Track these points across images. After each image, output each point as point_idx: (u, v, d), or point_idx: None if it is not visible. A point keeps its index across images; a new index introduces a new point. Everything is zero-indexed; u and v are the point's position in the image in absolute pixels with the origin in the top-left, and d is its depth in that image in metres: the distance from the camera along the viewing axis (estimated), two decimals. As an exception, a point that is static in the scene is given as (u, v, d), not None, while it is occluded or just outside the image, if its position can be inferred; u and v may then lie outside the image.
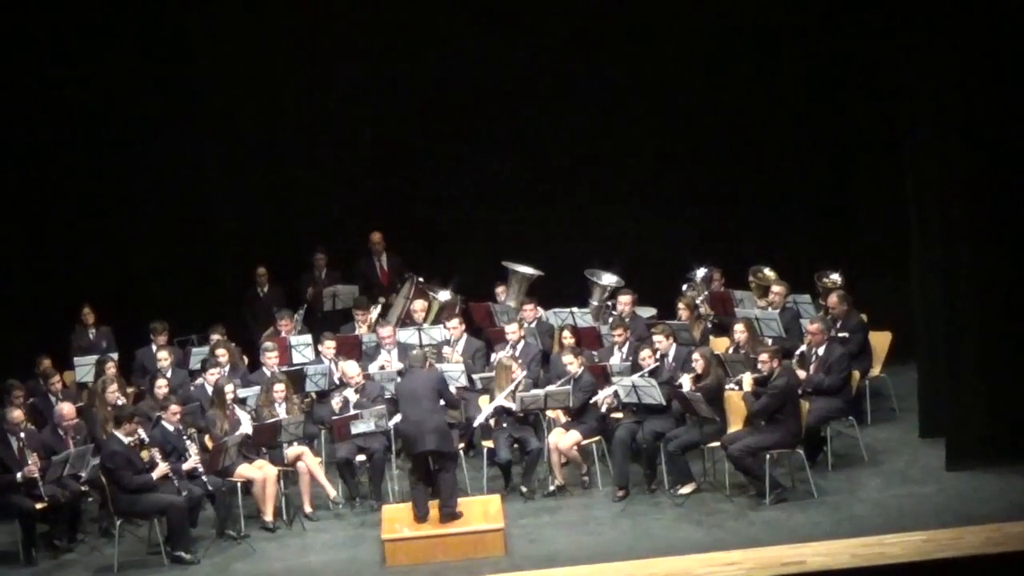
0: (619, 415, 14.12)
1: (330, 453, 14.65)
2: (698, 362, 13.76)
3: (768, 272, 15.67)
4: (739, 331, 14.47)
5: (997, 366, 13.66)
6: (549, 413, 14.26)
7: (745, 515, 13.23)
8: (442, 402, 13.56)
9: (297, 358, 15.30)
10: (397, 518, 13.27)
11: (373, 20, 17.02)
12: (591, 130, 17.29)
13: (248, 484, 13.71)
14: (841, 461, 14.08)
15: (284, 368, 14.91)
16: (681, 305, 15.35)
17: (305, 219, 17.49)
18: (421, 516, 13.18)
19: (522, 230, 17.16)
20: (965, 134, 13.56)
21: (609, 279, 15.94)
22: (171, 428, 13.53)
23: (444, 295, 16.16)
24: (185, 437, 13.51)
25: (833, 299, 14.89)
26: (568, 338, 14.77)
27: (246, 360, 15.58)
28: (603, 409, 14.07)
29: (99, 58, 16.69)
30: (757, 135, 17.04)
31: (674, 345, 14.33)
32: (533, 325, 15.55)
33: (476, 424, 14.20)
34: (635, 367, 14.10)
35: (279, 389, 14.15)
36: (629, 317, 15.23)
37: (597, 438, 14.12)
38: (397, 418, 13.72)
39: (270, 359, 14.89)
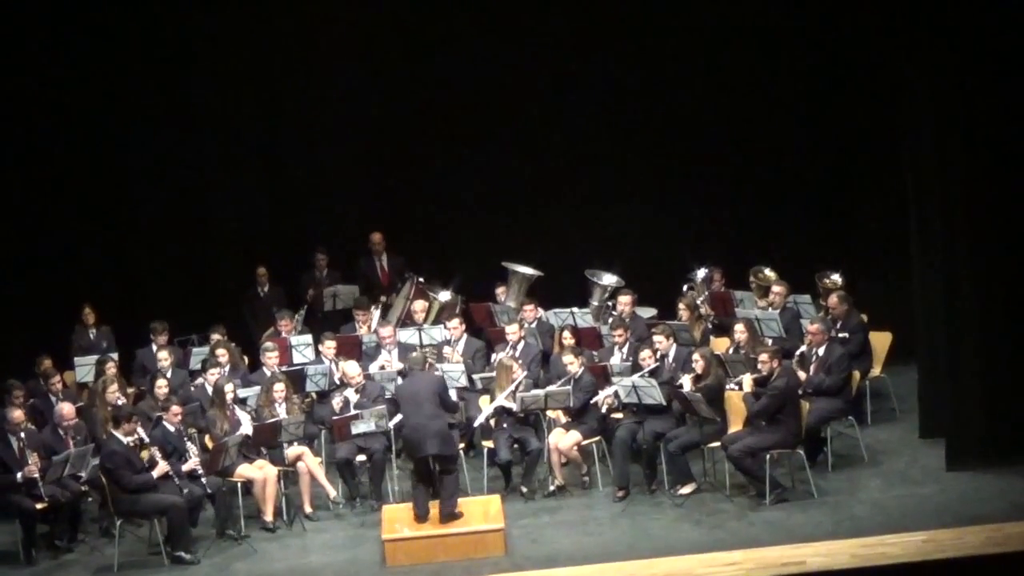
0: (619, 415, 14.12)
1: (330, 453, 14.65)
2: (698, 362, 13.76)
3: (769, 272, 15.68)
4: (739, 331, 14.48)
5: (997, 366, 13.66)
6: (549, 413, 14.26)
7: (745, 515, 13.24)
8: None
9: (297, 358, 15.30)
10: (397, 518, 13.27)
11: (373, 20, 17.02)
12: (591, 130, 17.29)
13: (248, 484, 13.72)
14: (841, 461, 14.08)
15: (284, 368, 14.91)
16: (681, 305, 15.36)
17: (305, 219, 17.49)
18: (421, 516, 13.18)
19: (522, 230, 17.17)
20: (965, 134, 13.56)
21: (609, 279, 15.94)
22: (172, 429, 13.53)
23: (444, 295, 16.17)
24: (185, 438, 13.50)
25: (833, 299, 14.90)
26: (568, 338, 14.77)
27: (246, 360, 15.58)
28: (603, 409, 14.07)
29: (99, 58, 16.70)
30: (757, 135, 17.03)
31: (674, 345, 14.34)
32: (533, 325, 15.55)
33: (476, 424, 14.20)
34: (635, 367, 14.11)
35: (279, 389, 14.15)
36: (629, 317, 15.24)
37: (597, 438, 14.13)
38: (397, 418, 13.72)
39: (270, 359, 14.89)
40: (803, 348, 14.27)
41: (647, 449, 13.80)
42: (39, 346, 15.39)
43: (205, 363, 14.97)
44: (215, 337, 15.45)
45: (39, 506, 13.41)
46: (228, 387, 14.03)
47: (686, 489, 13.69)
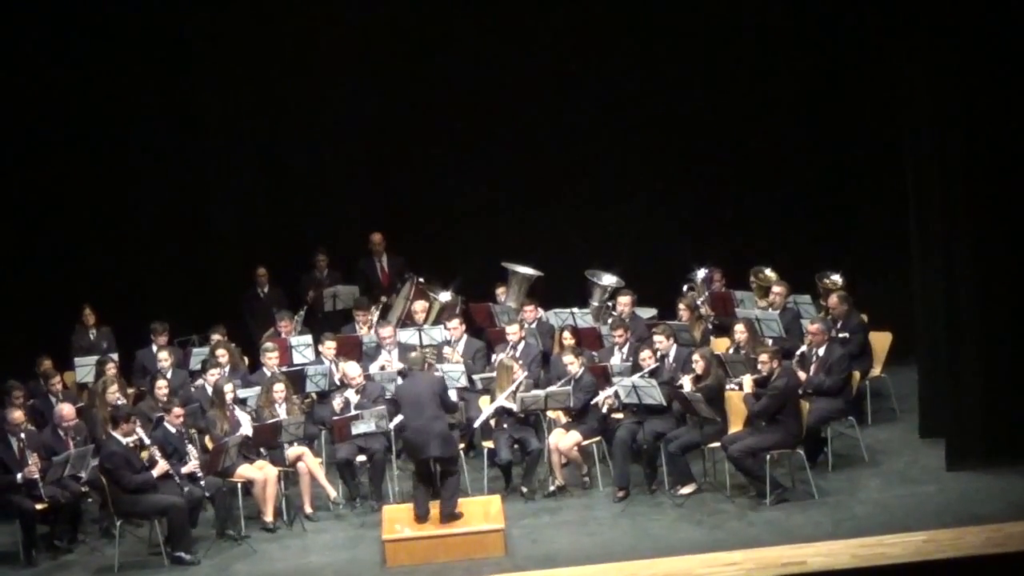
0: (619, 415, 14.12)
1: (330, 454, 14.65)
2: (698, 363, 13.76)
3: (769, 273, 15.67)
4: (739, 331, 14.48)
5: (997, 366, 13.66)
6: (549, 414, 14.26)
7: (745, 515, 13.24)
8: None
9: (297, 358, 15.30)
10: (397, 518, 13.27)
11: (373, 21, 17.02)
12: (591, 130, 17.30)
13: (248, 485, 13.71)
14: (841, 461, 14.08)
15: (284, 368, 14.91)
16: (682, 306, 15.37)
17: (305, 220, 17.49)
18: (421, 516, 13.18)
19: (522, 230, 17.17)
20: (965, 134, 13.56)
21: (609, 280, 15.94)
22: (173, 430, 13.53)
23: (445, 296, 16.17)
24: (186, 440, 13.50)
25: (833, 300, 14.90)
26: (568, 339, 14.77)
27: (246, 361, 15.58)
28: (603, 410, 14.07)
29: (100, 59, 16.70)
30: (757, 135, 17.03)
31: (675, 346, 14.33)
32: (533, 326, 15.55)
33: (477, 425, 14.20)
34: (635, 367, 14.11)
35: (279, 389, 14.15)
36: (629, 318, 15.24)
37: (597, 439, 14.13)
38: (398, 419, 13.72)
39: (270, 359, 14.89)
40: (803, 348, 14.27)
41: (647, 449, 13.80)
42: (39, 347, 15.39)
43: (205, 364, 14.97)
44: (215, 338, 15.45)
45: (39, 507, 13.40)
46: (228, 387, 14.03)
47: (686, 489, 13.69)
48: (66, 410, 13.96)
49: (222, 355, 14.86)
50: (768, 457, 13.32)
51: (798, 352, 14.25)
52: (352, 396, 14.20)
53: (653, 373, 13.91)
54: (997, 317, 13.64)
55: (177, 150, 17.21)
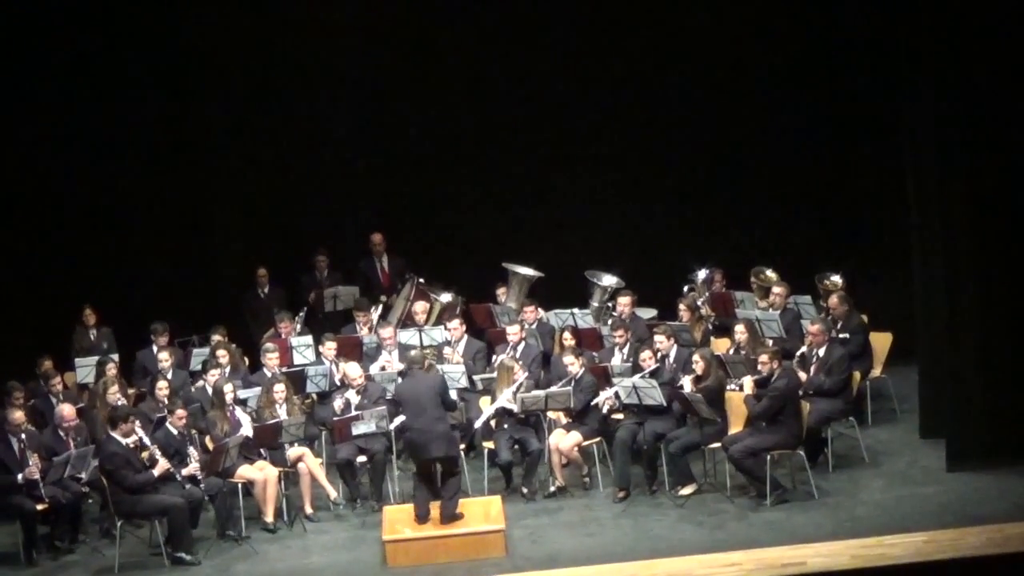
0: (620, 416, 14.13)
1: (331, 454, 14.65)
2: (698, 363, 13.76)
3: (770, 273, 15.67)
4: (740, 332, 14.48)
5: (997, 367, 13.67)
6: (550, 414, 14.25)
7: (746, 516, 13.24)
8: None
9: (298, 359, 15.30)
10: (398, 519, 13.28)
11: (374, 21, 17.02)
12: (592, 131, 17.30)
13: (249, 485, 13.71)
14: (842, 462, 14.08)
15: (285, 369, 14.91)
16: (682, 306, 15.37)
17: (306, 220, 17.50)
18: (422, 517, 13.18)
19: (522, 231, 17.17)
20: (966, 134, 13.56)
21: (609, 280, 15.95)
22: (175, 432, 13.53)
23: (445, 296, 16.17)
24: (187, 442, 13.49)
25: (834, 300, 14.91)
26: (569, 339, 14.77)
27: (247, 361, 15.58)
28: (604, 410, 14.07)
29: (101, 58, 16.70)
30: (758, 136, 17.03)
31: (675, 346, 14.34)
32: (534, 326, 15.55)
33: (477, 426, 14.20)
34: (636, 368, 14.11)
35: (279, 390, 14.15)
36: (629, 318, 15.24)
37: (598, 439, 14.13)
38: (399, 420, 13.72)
39: (271, 360, 14.89)
40: (803, 349, 14.28)
41: (648, 450, 13.80)
42: (40, 347, 15.39)
43: (206, 364, 14.97)
44: (216, 338, 15.46)
45: (40, 507, 13.40)
46: (227, 388, 14.03)
47: (687, 490, 13.70)
48: (67, 411, 13.96)
49: (222, 356, 14.86)
50: (768, 458, 13.32)
51: (798, 353, 14.26)
52: (353, 397, 14.20)
53: (653, 374, 13.91)
54: (997, 317, 13.65)
55: (178, 150, 17.21)
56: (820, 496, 13.39)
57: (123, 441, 13.22)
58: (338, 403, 14.19)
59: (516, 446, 14.06)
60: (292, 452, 14.04)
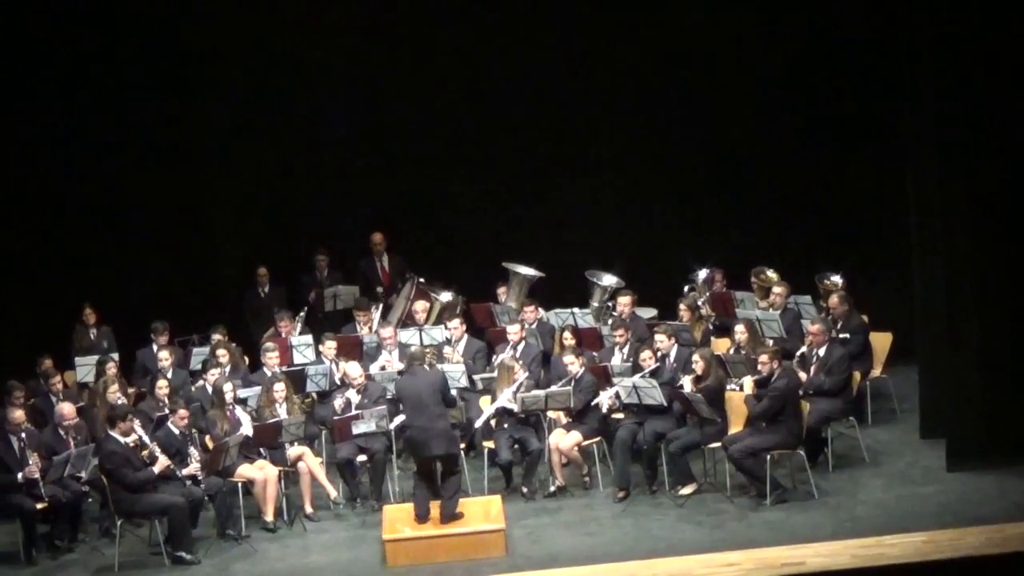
0: (620, 416, 14.13)
1: (331, 453, 14.65)
2: (698, 363, 13.76)
3: (770, 273, 15.66)
4: (740, 332, 14.48)
5: (998, 367, 13.67)
6: (550, 414, 14.25)
7: (746, 516, 13.24)
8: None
9: (298, 358, 15.30)
10: (398, 518, 13.27)
11: (374, 21, 17.02)
12: (592, 130, 17.31)
13: (249, 484, 13.71)
14: (842, 462, 14.09)
15: (285, 368, 14.91)
16: (682, 306, 15.37)
17: (306, 219, 17.50)
18: (422, 516, 13.18)
19: (523, 231, 17.17)
20: (966, 134, 13.56)
21: (610, 280, 15.95)
22: (176, 431, 13.52)
23: (445, 295, 16.17)
24: (189, 442, 13.49)
25: (834, 300, 14.91)
26: (569, 339, 14.77)
27: (247, 360, 15.58)
28: (604, 410, 14.07)
29: (101, 58, 16.70)
30: (758, 136, 17.03)
31: (675, 346, 14.34)
32: (534, 326, 15.55)
33: (478, 425, 14.20)
34: (636, 368, 14.11)
35: (279, 389, 14.15)
36: (629, 318, 15.24)
37: (598, 439, 14.13)
38: (399, 419, 13.73)
39: (271, 359, 14.89)
40: (804, 349, 14.28)
41: (648, 450, 13.80)
42: (40, 346, 15.38)
43: (206, 363, 14.97)
44: (216, 337, 15.46)
45: (40, 506, 13.40)
46: (227, 387, 14.03)
47: (687, 490, 13.70)
48: (67, 410, 13.96)
49: (223, 355, 14.87)
50: (768, 457, 13.32)
51: (798, 353, 14.26)
52: (353, 396, 14.20)
53: (653, 373, 13.92)
54: (997, 317, 13.65)
55: (178, 150, 17.21)
56: (820, 496, 13.39)
57: (122, 440, 13.22)
58: (338, 402, 14.19)
59: (516, 446, 14.06)
60: (292, 451, 14.05)
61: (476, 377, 14.89)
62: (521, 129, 17.31)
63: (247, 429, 13.85)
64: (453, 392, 13.93)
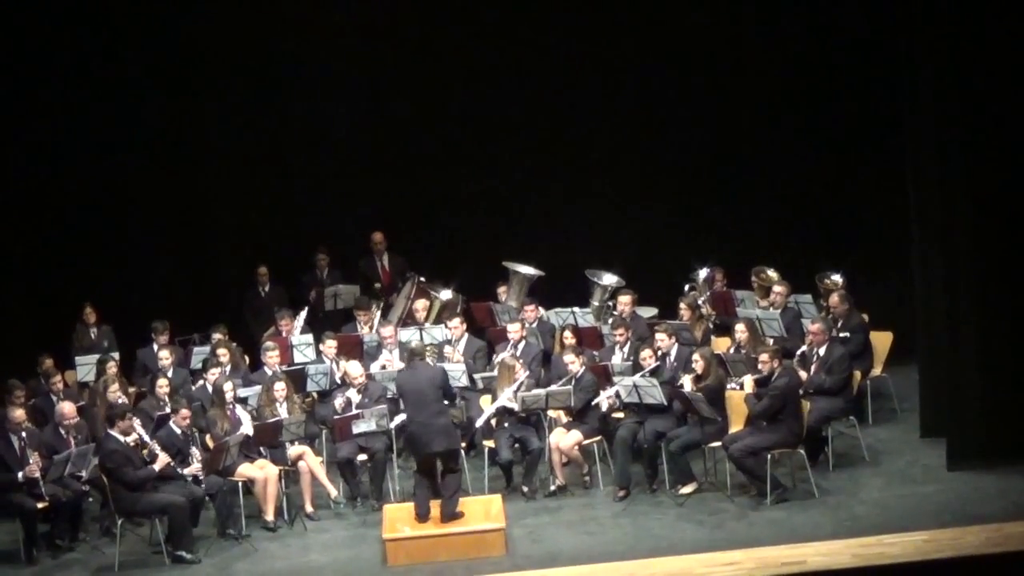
0: (620, 415, 14.13)
1: (331, 453, 14.65)
2: (698, 363, 13.76)
3: (771, 272, 15.66)
4: (740, 331, 14.49)
5: (998, 366, 13.67)
6: (550, 413, 14.26)
7: (746, 515, 13.24)
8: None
9: (298, 358, 15.30)
10: (398, 518, 13.27)
11: (375, 20, 17.02)
12: (592, 129, 17.32)
13: (249, 484, 13.72)
14: (842, 461, 14.09)
15: (285, 367, 14.91)
16: (683, 305, 15.37)
17: (306, 219, 17.51)
18: (422, 516, 13.18)
19: (523, 230, 17.18)
20: (966, 133, 13.57)
21: (610, 279, 15.96)
22: (178, 431, 13.53)
23: (446, 295, 16.17)
24: (190, 442, 13.49)
25: (834, 299, 14.91)
26: (569, 338, 14.77)
27: (247, 360, 15.58)
28: (604, 409, 14.07)
29: (101, 58, 16.71)
30: (759, 135, 17.04)
31: (676, 345, 14.34)
32: (534, 325, 15.56)
33: (479, 425, 14.20)
34: (636, 367, 14.11)
35: (280, 388, 14.16)
36: (630, 317, 15.24)
37: (598, 438, 14.13)
38: (399, 418, 13.73)
39: (271, 358, 14.89)
40: (804, 348, 14.29)
41: (648, 449, 13.80)
42: (40, 345, 15.39)
43: (206, 363, 14.98)
44: (216, 337, 15.46)
45: (40, 505, 13.40)
46: (227, 386, 14.03)
47: (687, 489, 13.70)
48: (67, 409, 13.96)
49: (223, 354, 14.87)
50: (769, 456, 13.32)
51: (799, 352, 14.27)
52: (353, 395, 14.20)
53: (654, 372, 13.92)
54: (998, 316, 13.65)
55: (178, 149, 17.22)
56: (820, 495, 13.39)
57: (122, 439, 13.22)
58: (339, 402, 14.19)
59: (516, 445, 14.06)
60: (292, 451, 14.05)
61: (476, 376, 14.89)
62: (521, 129, 17.31)
63: (247, 428, 13.86)
64: (454, 390, 13.93)
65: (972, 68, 13.47)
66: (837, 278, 15.50)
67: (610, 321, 15.37)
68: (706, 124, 17.11)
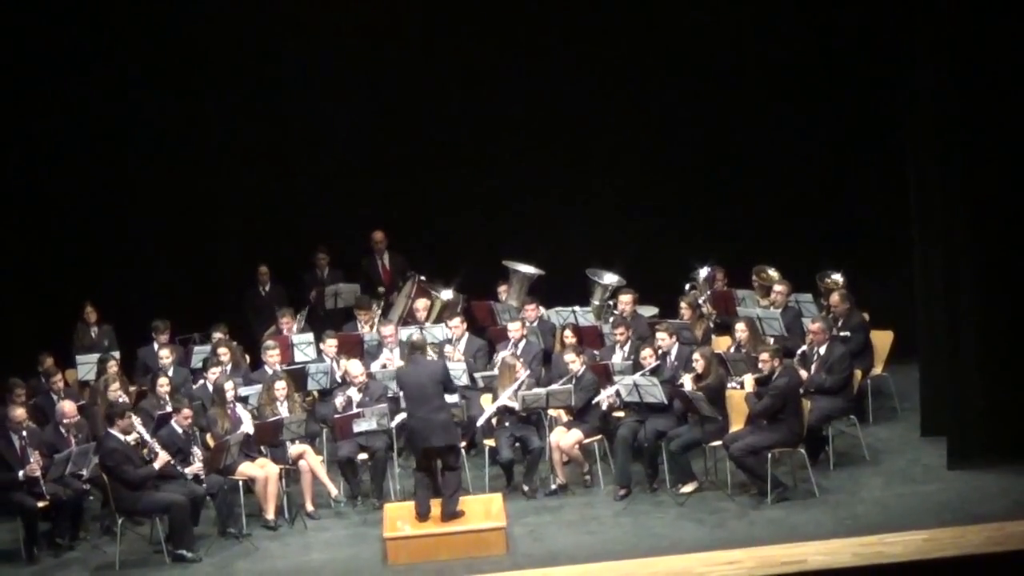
0: (621, 414, 14.13)
1: (332, 452, 14.65)
2: (698, 362, 13.76)
3: (772, 272, 15.66)
4: (740, 330, 14.49)
5: (998, 365, 13.67)
6: (551, 412, 14.26)
7: (747, 514, 13.24)
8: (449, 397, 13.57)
9: (299, 356, 15.30)
10: (399, 516, 13.27)
11: (376, 20, 17.01)
12: (593, 128, 17.30)
13: (250, 483, 13.72)
14: (843, 460, 14.09)
15: (286, 366, 14.91)
16: (683, 304, 15.38)
17: (307, 218, 17.51)
18: (423, 515, 13.18)
19: (523, 229, 17.17)
20: (966, 133, 13.56)
21: (610, 278, 15.96)
22: (180, 431, 13.53)
23: (446, 294, 16.18)
24: (192, 442, 13.49)
25: (835, 298, 14.91)
26: (570, 337, 14.78)
27: (248, 359, 15.58)
28: (605, 408, 14.07)
29: (102, 56, 16.70)
30: (759, 134, 17.03)
31: (676, 344, 14.34)
32: (535, 324, 15.56)
33: (480, 424, 14.20)
34: (636, 366, 14.11)
35: (281, 387, 14.16)
36: (630, 316, 15.25)
37: (599, 437, 14.13)
38: (399, 417, 13.74)
39: (271, 357, 14.89)
40: (804, 347, 14.29)
41: (649, 448, 13.81)
42: (41, 344, 15.39)
43: (207, 362, 14.98)
44: (217, 336, 15.47)
45: (41, 504, 13.41)
46: (228, 386, 14.04)
47: (687, 488, 13.70)
48: (68, 408, 13.96)
49: (224, 353, 14.88)
50: (769, 456, 13.32)
51: (799, 351, 14.27)
52: (354, 394, 14.20)
53: (654, 371, 13.92)
54: (998, 316, 13.65)
55: (179, 149, 17.22)
56: (821, 494, 13.40)
57: (122, 437, 13.22)
58: (339, 400, 14.19)
59: (517, 444, 14.07)
60: (293, 449, 14.05)
61: (477, 375, 14.89)
62: (521, 129, 17.30)
63: (248, 427, 13.86)
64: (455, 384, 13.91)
65: (973, 68, 13.47)
66: (838, 277, 15.51)
67: (611, 320, 15.37)
68: (706, 123, 17.10)
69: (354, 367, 14.37)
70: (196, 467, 13.38)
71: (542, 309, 15.81)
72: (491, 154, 17.38)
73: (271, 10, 16.99)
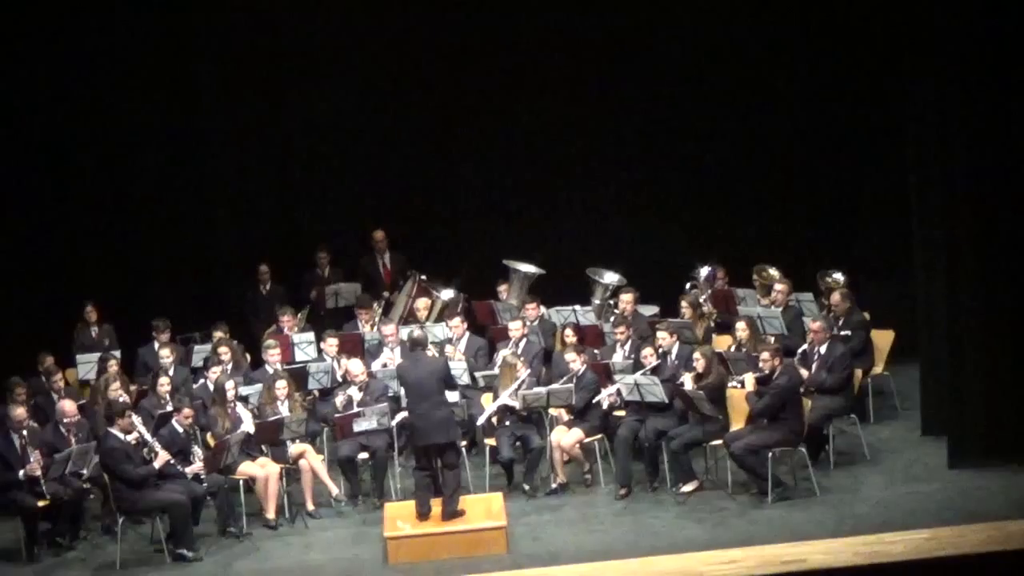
0: (621, 413, 14.13)
1: (332, 451, 14.65)
2: (699, 361, 13.75)
3: (772, 271, 15.66)
4: (741, 329, 14.49)
5: (999, 364, 13.66)
6: (552, 411, 14.25)
7: (747, 513, 13.24)
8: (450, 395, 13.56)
9: (300, 356, 15.31)
10: (399, 516, 13.27)
11: (375, 21, 17.02)
12: (593, 128, 17.31)
13: (250, 482, 13.72)
14: (843, 459, 14.08)
15: (286, 366, 14.91)
16: (684, 303, 15.38)
17: (307, 217, 17.52)
18: (423, 514, 13.17)
19: (524, 228, 17.18)
20: (967, 133, 13.56)
21: (611, 277, 15.96)
22: (181, 430, 13.53)
23: (447, 293, 16.18)
24: (193, 441, 13.49)
25: (836, 297, 14.91)
26: (570, 336, 14.78)
27: (248, 358, 15.59)
28: (605, 407, 14.07)
29: (103, 57, 16.70)
30: (760, 134, 17.03)
31: (677, 343, 14.34)
32: (535, 323, 15.56)
33: (480, 423, 14.19)
34: (637, 365, 14.11)
35: (281, 387, 14.16)
36: (631, 315, 15.24)
37: (599, 436, 14.13)
38: (400, 416, 13.74)
39: (272, 356, 14.89)
40: (805, 346, 14.28)
41: (649, 447, 13.80)
42: (41, 344, 15.39)
43: (207, 361, 14.99)
44: (217, 335, 15.47)
45: (41, 504, 13.40)
46: (229, 385, 14.03)
47: (688, 487, 13.69)
48: (68, 407, 13.95)
49: (224, 352, 14.88)
50: (770, 455, 13.32)
51: (800, 350, 14.26)
52: (355, 393, 14.20)
53: (655, 371, 13.92)
54: (999, 315, 13.64)
55: (179, 148, 17.23)
56: (821, 493, 13.39)
57: (122, 437, 13.22)
58: (340, 400, 14.19)
59: (518, 443, 14.06)
60: (294, 449, 14.05)
61: (478, 374, 14.89)
62: (523, 126, 17.31)
63: (248, 426, 13.86)
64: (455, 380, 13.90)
65: (974, 68, 13.46)
66: (838, 276, 15.51)
67: (611, 319, 15.37)
68: (707, 122, 17.10)
69: (355, 366, 14.37)
70: (196, 466, 13.39)
71: (543, 308, 15.81)
72: (492, 153, 17.38)
73: (272, 10, 16.99)
